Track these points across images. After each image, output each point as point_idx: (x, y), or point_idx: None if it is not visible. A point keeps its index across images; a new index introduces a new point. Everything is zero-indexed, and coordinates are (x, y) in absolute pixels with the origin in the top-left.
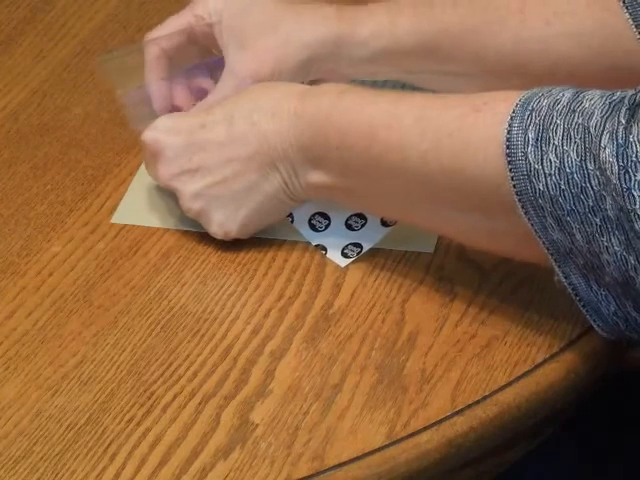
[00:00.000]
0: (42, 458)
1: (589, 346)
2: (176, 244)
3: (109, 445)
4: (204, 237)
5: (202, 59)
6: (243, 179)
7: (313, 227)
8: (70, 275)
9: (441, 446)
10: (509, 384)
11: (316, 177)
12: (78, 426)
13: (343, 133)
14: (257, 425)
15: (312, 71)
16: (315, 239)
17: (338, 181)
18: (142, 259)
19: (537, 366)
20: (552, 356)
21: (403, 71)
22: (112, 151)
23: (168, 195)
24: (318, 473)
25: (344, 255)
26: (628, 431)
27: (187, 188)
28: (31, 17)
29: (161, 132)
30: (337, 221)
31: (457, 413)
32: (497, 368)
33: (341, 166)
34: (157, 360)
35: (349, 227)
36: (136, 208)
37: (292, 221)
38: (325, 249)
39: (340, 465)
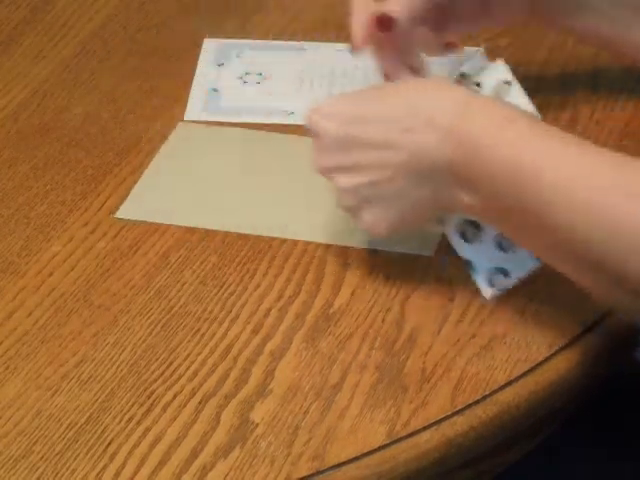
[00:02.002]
0: (42, 457)
1: (589, 346)
2: (176, 244)
3: (109, 444)
4: (204, 237)
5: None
6: (393, 185)
7: (463, 235)
8: (70, 275)
9: (441, 446)
10: (509, 384)
11: (466, 198)
12: (78, 425)
13: (500, 165)
14: (257, 424)
15: None
16: (463, 250)
17: (486, 208)
18: (142, 259)
19: (537, 366)
20: (552, 356)
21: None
22: (112, 151)
23: (176, 191)
24: (318, 472)
25: (490, 284)
26: (628, 431)
27: (340, 182)
28: (31, 17)
29: (322, 116)
30: (488, 236)
31: (457, 413)
32: (497, 368)
33: (489, 195)
34: (157, 359)
35: (500, 246)
36: (143, 203)
37: (443, 228)
38: (471, 265)
39: (340, 464)
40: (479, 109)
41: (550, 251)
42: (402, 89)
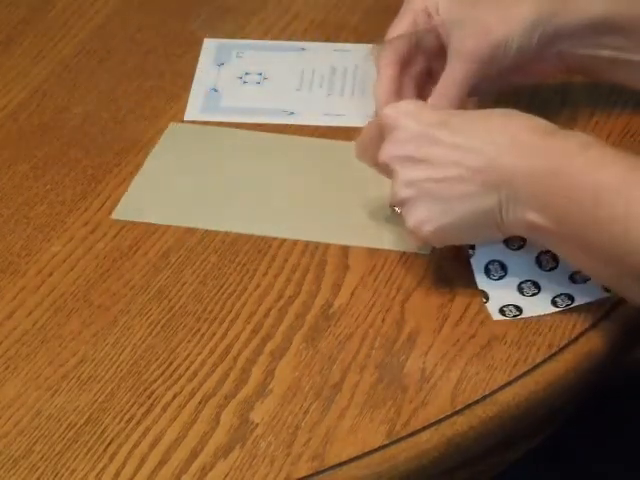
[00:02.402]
0: (42, 458)
1: (589, 346)
2: (176, 244)
3: (109, 444)
4: (204, 237)
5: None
6: (462, 187)
7: (488, 273)
8: (70, 275)
9: (441, 445)
10: (509, 384)
11: (533, 217)
12: (78, 426)
13: (574, 182)
14: (257, 425)
15: (534, 42)
16: (482, 283)
17: (554, 227)
18: (142, 259)
19: (537, 366)
20: (552, 356)
21: (617, 48)
22: (112, 151)
23: (171, 192)
24: (318, 472)
25: (501, 312)
26: (628, 431)
27: (405, 173)
28: (31, 17)
29: (402, 113)
30: (511, 278)
31: (457, 413)
32: (497, 368)
33: (562, 215)
34: (157, 360)
35: (520, 290)
36: (137, 204)
37: (472, 255)
38: (487, 297)
39: (340, 464)
40: (562, 133)
41: (614, 271)
42: (489, 113)
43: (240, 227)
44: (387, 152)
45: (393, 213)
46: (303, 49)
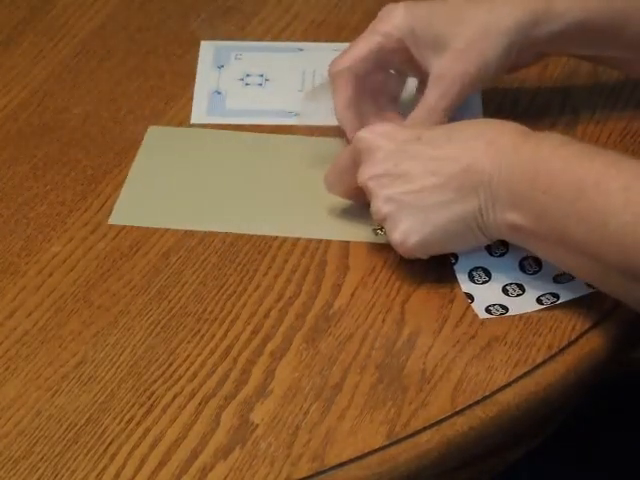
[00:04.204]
0: (42, 458)
1: (589, 346)
2: (176, 244)
3: (109, 445)
4: (204, 237)
5: (385, 86)
6: (439, 194)
7: (471, 278)
8: (70, 275)
9: (441, 446)
10: (509, 384)
11: (513, 217)
12: (78, 426)
13: (553, 179)
14: (257, 425)
15: (513, 56)
16: (466, 287)
17: (534, 225)
18: (142, 259)
19: (537, 366)
20: (552, 356)
21: (593, 48)
22: (112, 151)
23: (163, 195)
24: (318, 473)
25: (487, 311)
26: (628, 431)
27: (383, 190)
28: (31, 17)
29: (377, 135)
30: (495, 282)
31: (457, 413)
32: (497, 368)
33: (541, 211)
34: (157, 360)
35: (505, 292)
36: (132, 209)
37: (455, 263)
38: (472, 298)
39: (340, 465)
40: (541, 134)
41: (595, 266)
42: (463, 123)
43: (237, 228)
44: (365, 173)
45: (377, 237)
46: (301, 49)
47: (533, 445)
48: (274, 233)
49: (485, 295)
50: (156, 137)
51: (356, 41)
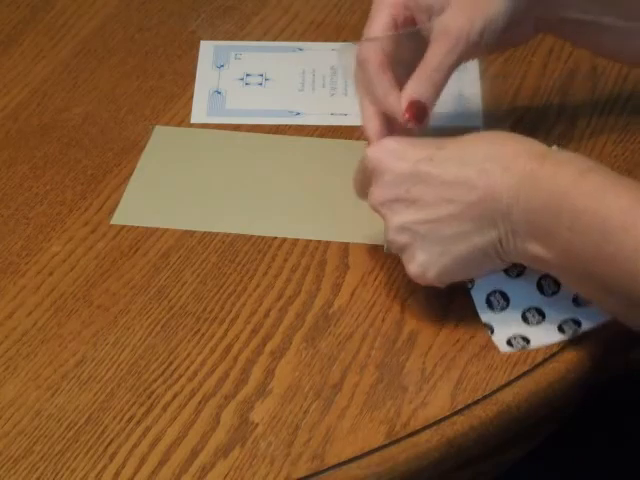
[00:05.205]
0: (42, 457)
1: (589, 346)
2: (176, 244)
3: (109, 444)
4: (204, 237)
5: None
6: (456, 224)
7: (490, 304)
8: (70, 275)
9: (441, 446)
10: (509, 384)
11: (535, 249)
12: (78, 425)
13: (577, 217)
14: (257, 424)
15: (516, 16)
16: (486, 316)
17: (558, 259)
18: (142, 259)
19: (537, 366)
20: (552, 356)
21: (592, 10)
22: (112, 151)
23: (167, 195)
24: (318, 472)
25: (509, 343)
26: (628, 431)
27: (396, 218)
28: (31, 17)
29: (386, 153)
30: (514, 308)
31: (457, 413)
32: (497, 368)
33: (567, 247)
34: (157, 359)
35: (525, 319)
36: (135, 209)
37: (471, 287)
38: (492, 329)
39: (340, 464)
40: (558, 158)
41: (624, 302)
42: (476, 139)
43: (239, 228)
44: (376, 197)
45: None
46: (301, 49)
47: (533, 445)
48: (274, 233)
49: (505, 324)
50: (161, 137)
51: (369, 21)
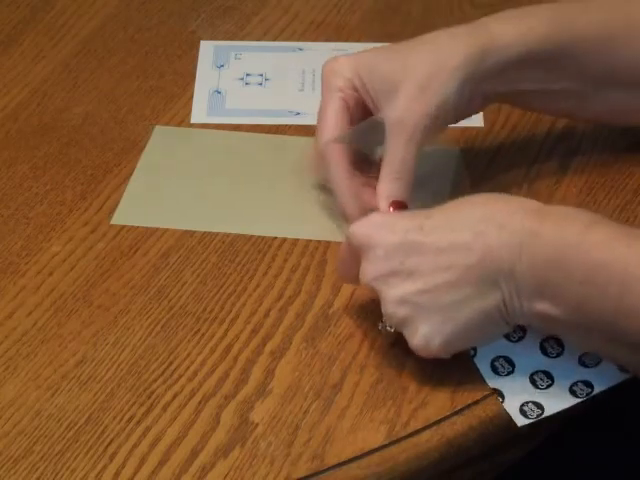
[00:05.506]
0: (42, 457)
1: None
2: (176, 244)
3: (109, 444)
4: (204, 237)
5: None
6: (456, 291)
7: (495, 370)
8: (70, 275)
9: (441, 446)
10: None
11: (543, 307)
12: (78, 425)
13: (591, 270)
14: (257, 424)
15: (467, 93)
16: (493, 382)
17: (571, 316)
18: (142, 259)
19: None
20: None
21: (545, 80)
22: (112, 151)
23: (167, 195)
24: (318, 472)
25: (522, 413)
26: (628, 431)
27: (393, 292)
28: (31, 17)
29: (374, 228)
30: (521, 372)
31: (457, 413)
32: None
33: (579, 301)
34: (157, 359)
35: (533, 383)
36: (135, 209)
37: (474, 355)
38: (502, 396)
39: (340, 464)
40: (558, 214)
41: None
42: (466, 203)
43: (239, 228)
44: (368, 274)
45: (387, 334)
46: (301, 49)
47: (533, 445)
48: (274, 233)
49: (514, 389)
50: (161, 137)
51: (322, 107)
